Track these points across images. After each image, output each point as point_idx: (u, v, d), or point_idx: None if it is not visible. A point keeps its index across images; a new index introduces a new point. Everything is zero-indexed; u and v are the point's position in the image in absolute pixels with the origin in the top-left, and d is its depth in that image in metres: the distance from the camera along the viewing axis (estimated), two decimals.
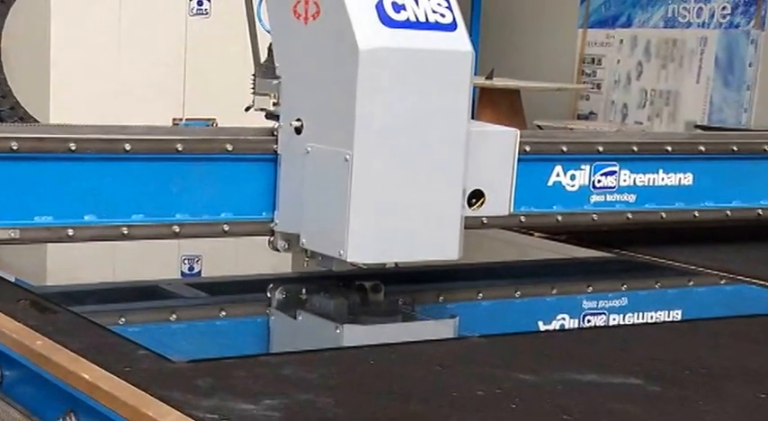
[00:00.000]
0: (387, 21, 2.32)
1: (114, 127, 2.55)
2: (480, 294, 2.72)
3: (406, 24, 2.35)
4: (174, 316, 2.42)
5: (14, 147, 2.37)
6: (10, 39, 6.59)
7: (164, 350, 1.92)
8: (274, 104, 2.52)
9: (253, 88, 2.60)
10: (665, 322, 2.50)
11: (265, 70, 2.55)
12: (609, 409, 1.75)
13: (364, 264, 2.44)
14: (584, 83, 8.50)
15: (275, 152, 2.53)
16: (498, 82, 8.15)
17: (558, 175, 2.85)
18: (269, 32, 2.55)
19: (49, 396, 1.85)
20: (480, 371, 1.92)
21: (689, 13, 7.94)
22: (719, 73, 7.81)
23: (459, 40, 2.41)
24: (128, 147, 2.44)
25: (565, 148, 2.84)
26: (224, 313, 2.45)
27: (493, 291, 2.79)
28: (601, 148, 2.89)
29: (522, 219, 2.80)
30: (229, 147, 2.52)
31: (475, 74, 8.40)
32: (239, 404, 1.66)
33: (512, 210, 2.64)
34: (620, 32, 8.33)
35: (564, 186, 2.86)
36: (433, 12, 2.39)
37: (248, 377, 1.81)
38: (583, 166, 2.87)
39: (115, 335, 2.02)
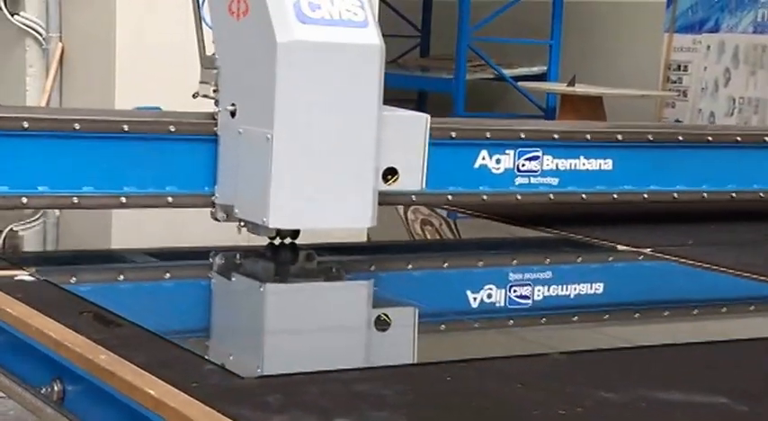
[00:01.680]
0: (303, 18, 2.71)
1: (66, 110, 2.96)
2: (410, 265, 3.10)
3: (321, 21, 2.74)
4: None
5: None
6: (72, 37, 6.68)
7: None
8: (214, 91, 2.89)
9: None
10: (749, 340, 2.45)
11: (207, 61, 2.93)
12: None
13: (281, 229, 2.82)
14: (669, 90, 8.41)
15: (216, 134, 2.89)
16: (580, 89, 8.10)
17: (483, 159, 3.19)
18: (211, 28, 2.95)
19: (114, 412, 1.85)
20: (561, 388, 1.90)
21: None
22: None
23: (370, 35, 2.78)
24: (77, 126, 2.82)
25: (489, 135, 3.18)
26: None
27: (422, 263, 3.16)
28: (523, 135, 3.24)
29: (450, 197, 3.16)
30: (172, 129, 2.90)
31: (555, 80, 8.41)
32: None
33: (424, 186, 2.99)
34: (707, 38, 8.21)
35: (490, 169, 3.20)
36: (347, 11, 2.77)
37: (319, 393, 1.80)
38: (507, 151, 3.21)
39: (181, 349, 2.02)
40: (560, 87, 8.42)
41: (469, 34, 9.08)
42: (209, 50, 2.96)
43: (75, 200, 2.83)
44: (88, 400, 1.95)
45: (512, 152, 3.22)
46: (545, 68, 9.18)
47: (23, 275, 2.43)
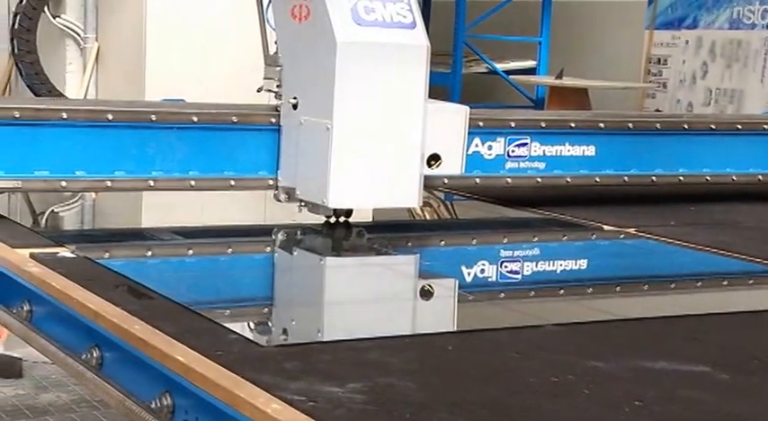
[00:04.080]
0: (359, 21, 2.79)
1: (100, 101, 3.04)
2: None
3: (375, 23, 2.81)
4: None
5: (17, 116, 2.77)
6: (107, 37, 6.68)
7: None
8: (277, 87, 2.97)
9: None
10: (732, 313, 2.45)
11: (271, 60, 3.00)
12: (679, 396, 1.72)
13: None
14: (650, 82, 8.37)
15: (279, 124, 2.99)
16: (567, 81, 8.07)
17: (476, 146, 3.22)
18: (275, 30, 3.01)
19: (146, 377, 1.86)
20: (554, 357, 1.90)
21: (753, 14, 7.77)
22: None
23: (417, 37, 2.86)
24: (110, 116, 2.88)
25: (481, 124, 3.21)
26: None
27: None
28: (513, 124, 3.29)
29: (446, 181, 3.18)
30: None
31: (545, 74, 8.33)
32: (325, 387, 1.65)
33: (463, 171, 3.08)
34: (686, 34, 8.18)
35: (482, 155, 3.24)
36: (397, 14, 2.85)
37: (333, 361, 1.80)
38: (498, 139, 3.26)
39: (207, 320, 2.02)
40: (549, 80, 8.39)
41: (465, 32, 9.05)
42: (272, 50, 3.01)
43: (109, 183, 2.87)
44: (123, 366, 1.95)
45: (502, 139, 3.27)
46: (534, 63, 9.16)
47: (65, 252, 2.44)
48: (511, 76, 8.98)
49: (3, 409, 4.60)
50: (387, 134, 2.83)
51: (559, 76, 8.10)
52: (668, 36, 8.30)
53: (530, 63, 9.20)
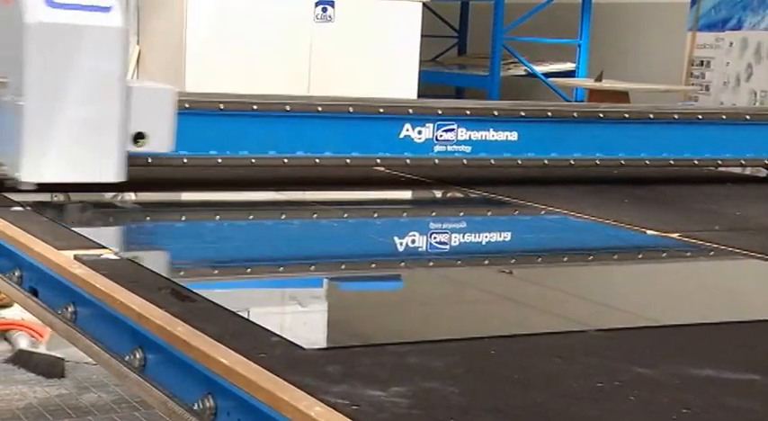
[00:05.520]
0: (51, 3, 2.95)
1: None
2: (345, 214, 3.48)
3: (68, 6, 2.96)
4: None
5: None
6: (148, 41, 6.71)
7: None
8: None
9: None
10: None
11: None
12: (728, 404, 1.70)
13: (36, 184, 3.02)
14: (692, 84, 8.30)
15: None
16: (607, 84, 8.03)
17: (407, 130, 3.56)
18: None
19: (188, 379, 1.85)
20: (598, 363, 1.88)
21: None
22: None
23: (113, 19, 3.02)
24: None
25: (411, 111, 3.57)
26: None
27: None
28: (440, 111, 3.62)
29: (378, 160, 3.56)
30: None
31: (584, 76, 8.29)
32: (368, 391, 1.64)
33: (171, 148, 3.19)
34: (730, 35, 8.09)
35: (413, 138, 3.57)
36: None
37: (376, 365, 1.79)
38: (427, 125, 3.59)
39: (249, 322, 2.02)
40: (588, 83, 8.35)
41: (503, 34, 9.03)
42: None
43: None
44: (166, 367, 1.95)
45: (431, 125, 3.61)
46: (573, 66, 9.12)
47: (108, 254, 2.45)
48: (550, 79, 8.95)
49: (46, 409, 4.64)
50: (83, 112, 2.99)
51: (599, 79, 8.06)
52: (711, 38, 8.22)
53: (569, 65, 9.17)
